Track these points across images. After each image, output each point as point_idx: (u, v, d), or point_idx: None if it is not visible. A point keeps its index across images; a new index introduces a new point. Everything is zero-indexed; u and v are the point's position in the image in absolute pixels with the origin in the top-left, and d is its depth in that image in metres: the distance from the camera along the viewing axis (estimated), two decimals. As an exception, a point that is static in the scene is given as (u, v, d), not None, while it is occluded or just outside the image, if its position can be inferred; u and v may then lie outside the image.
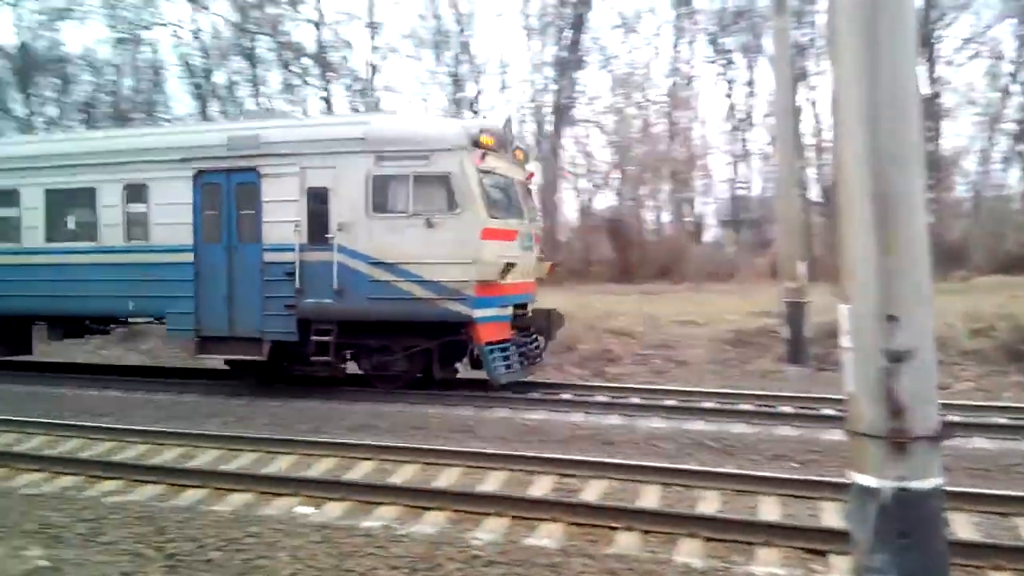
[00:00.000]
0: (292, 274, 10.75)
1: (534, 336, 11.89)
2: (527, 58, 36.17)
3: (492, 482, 7.43)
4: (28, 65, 38.52)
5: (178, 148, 11.80)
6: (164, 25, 38.42)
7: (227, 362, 12.32)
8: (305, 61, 38.13)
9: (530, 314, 11.74)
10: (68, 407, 11.05)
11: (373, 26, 37.11)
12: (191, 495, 7.23)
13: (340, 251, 10.53)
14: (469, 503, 6.68)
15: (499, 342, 10.67)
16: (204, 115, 37.79)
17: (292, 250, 10.78)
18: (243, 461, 8.37)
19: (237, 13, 37.53)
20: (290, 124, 12.09)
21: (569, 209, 36.29)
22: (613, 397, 11.31)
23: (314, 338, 10.83)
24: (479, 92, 36.90)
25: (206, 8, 37.57)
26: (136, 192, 11.99)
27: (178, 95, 42.46)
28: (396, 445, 8.55)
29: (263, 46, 38.27)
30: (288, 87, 38.74)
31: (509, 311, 11.01)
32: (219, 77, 38.98)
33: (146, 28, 38.14)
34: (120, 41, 38.38)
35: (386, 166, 10.41)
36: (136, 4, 37.54)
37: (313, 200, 10.74)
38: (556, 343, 13.05)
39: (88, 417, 10.28)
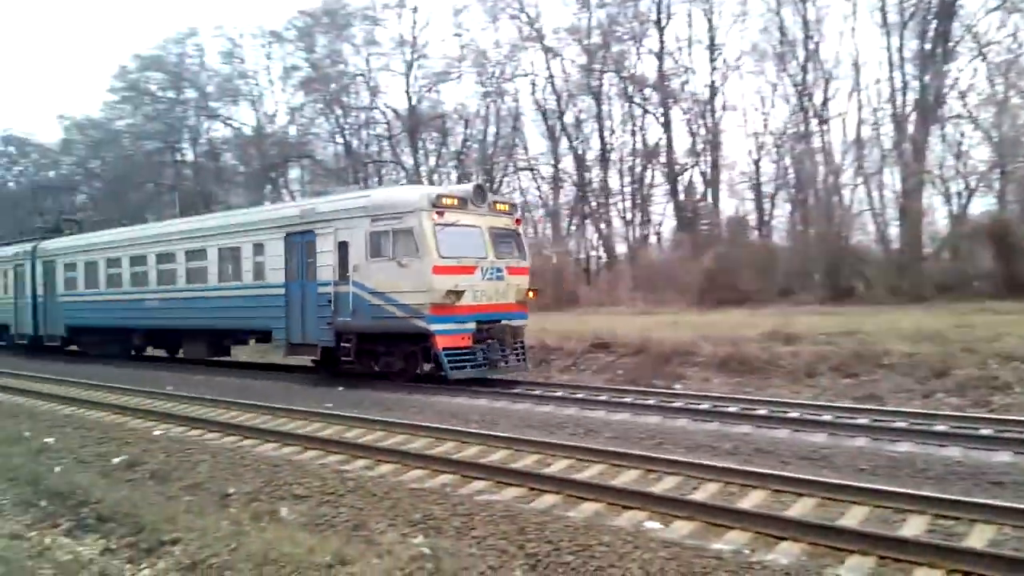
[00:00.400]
0: (330, 301, 14.81)
1: (499, 345, 14.46)
2: (883, 57, 32.99)
3: (852, 517, 6.75)
4: (415, 123, 44.95)
5: (278, 219, 16.83)
6: (524, 75, 42.33)
7: (312, 361, 16.88)
8: (646, 92, 39.25)
9: (496, 328, 14.34)
10: (439, 410, 12.49)
11: (713, 48, 36.93)
12: (548, 500, 7.66)
13: (354, 285, 14.42)
14: (828, 536, 6.13)
15: (455, 348, 13.66)
16: (555, 154, 40.79)
17: (329, 285, 14.91)
18: (592, 472, 8.68)
19: (585, 56, 39.94)
20: (330, 200, 16.54)
21: (938, 216, 32.13)
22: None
23: (343, 344, 14.88)
24: (826, 99, 34.55)
25: (559, 55, 40.61)
26: (259, 249, 16.92)
27: (533, 137, 46.39)
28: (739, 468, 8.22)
29: (608, 83, 40.19)
30: (629, 118, 40.17)
31: (470, 326, 13.82)
32: (568, 117, 41.81)
33: (508, 80, 42.44)
34: (486, 95, 43.15)
35: (377, 225, 14.22)
36: (500, 60, 41.97)
37: (340, 250, 14.78)
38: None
39: (458, 423, 11.52)
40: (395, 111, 45.86)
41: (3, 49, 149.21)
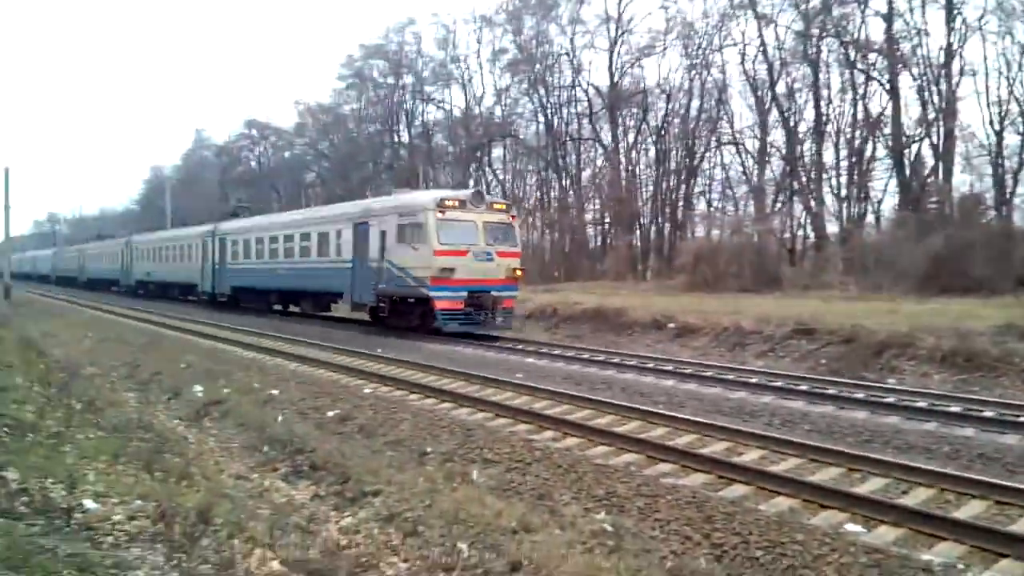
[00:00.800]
0: (375, 273, 19.83)
1: (484, 310, 18.61)
2: None
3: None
4: (616, 99, 44.47)
5: (350, 213, 22.40)
6: (733, 45, 40.37)
7: (370, 315, 22.49)
8: (871, 57, 35.95)
9: (484, 297, 18.46)
10: (622, 386, 12.32)
11: (951, 7, 32.99)
12: (738, 490, 7.29)
13: (387, 262, 19.37)
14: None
15: (450, 310, 18.15)
16: (763, 127, 38.56)
17: (375, 262, 19.95)
18: (788, 465, 8.14)
19: (801, 21, 37.30)
20: (378, 200, 22.60)
21: None
22: None
23: (381, 304, 20.21)
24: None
25: (773, 22, 38.21)
26: (339, 234, 22.29)
27: (738, 110, 44.10)
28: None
29: (826, 49, 37.28)
30: (850, 86, 37.02)
31: (462, 294, 18.08)
32: (780, 87, 39.29)
33: (716, 51, 40.65)
34: (691, 67, 41.65)
35: (402, 220, 18.98)
36: (707, 31, 40.28)
37: (381, 237, 19.65)
38: None
39: (644, 401, 11.29)
40: (596, 88, 45.74)
41: (249, 43, 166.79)
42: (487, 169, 50.60)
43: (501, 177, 51.03)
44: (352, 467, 8.91)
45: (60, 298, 46.38)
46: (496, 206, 20.02)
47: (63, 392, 10.94)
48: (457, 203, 18.75)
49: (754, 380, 13.30)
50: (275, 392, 12.71)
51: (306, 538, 6.46)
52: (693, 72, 41.33)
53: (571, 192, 46.93)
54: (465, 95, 52.11)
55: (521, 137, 49.31)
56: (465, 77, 52.25)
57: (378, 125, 58.39)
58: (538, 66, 46.52)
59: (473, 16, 50.64)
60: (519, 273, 19.71)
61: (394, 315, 20.37)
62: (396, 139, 58.07)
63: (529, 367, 15.20)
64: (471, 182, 50.45)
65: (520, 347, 18.12)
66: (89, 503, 5.12)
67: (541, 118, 47.68)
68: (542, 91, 47.19)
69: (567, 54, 46.04)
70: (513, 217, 20.47)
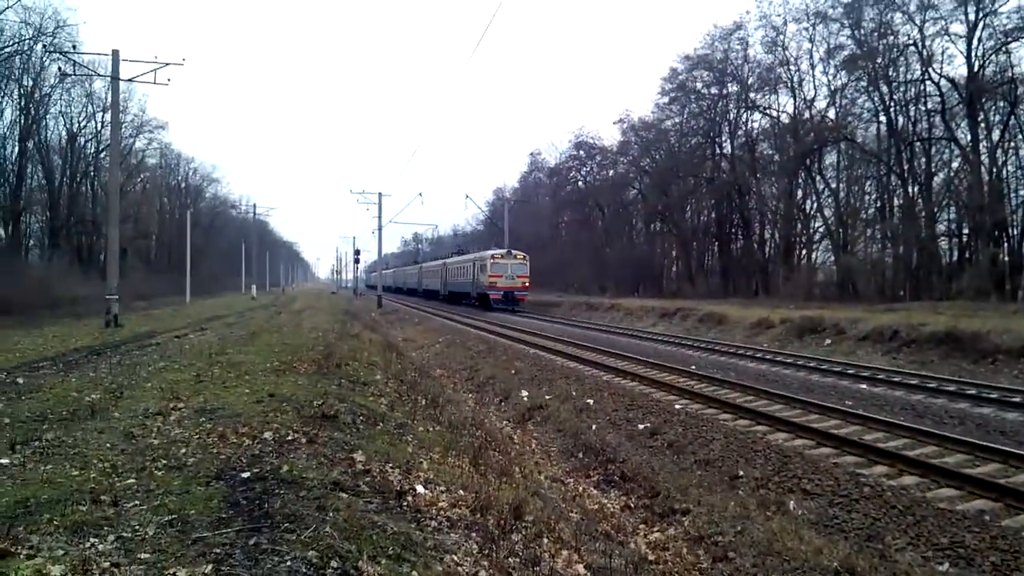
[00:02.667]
0: (477, 285, 46.63)
1: (509, 300, 43.80)
2: None
3: None
4: (976, 92, 38.65)
5: (470, 259, 50.57)
6: None
7: (476, 304, 47.54)
8: None
9: (509, 295, 43.62)
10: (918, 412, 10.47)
11: None
12: None
13: (477, 279, 46.43)
14: None
15: (495, 299, 43.41)
16: None
17: (476, 279, 46.89)
18: None
19: None
20: (474, 255, 50.27)
21: None
22: None
23: (479, 295, 46.13)
24: None
25: None
26: (468, 268, 49.91)
27: None
28: None
29: None
30: None
31: (501, 292, 43.41)
32: None
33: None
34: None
35: (479, 262, 46.70)
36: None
37: (477, 270, 46.87)
38: None
39: (1008, 442, 9.50)
40: (951, 81, 40.13)
41: (579, 68, 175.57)
42: (817, 177, 47.13)
43: (833, 186, 47.18)
44: (661, 482, 8.83)
45: (420, 308, 52.94)
46: (517, 256, 45.20)
47: (412, 389, 12.41)
48: (502, 255, 44.54)
49: None
50: (590, 402, 13.09)
51: (612, 547, 6.52)
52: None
53: (919, 200, 41.74)
54: (794, 99, 49.13)
55: (858, 140, 45.12)
56: (795, 80, 49.35)
57: (699, 138, 57.53)
58: (880, 60, 42.16)
59: (806, 13, 47.49)
60: (527, 285, 44.53)
61: (483, 301, 45.03)
62: (718, 151, 56.83)
63: (861, 394, 13.76)
64: (799, 192, 47.35)
65: (851, 371, 16.53)
66: (420, 488, 5.70)
67: (882, 118, 43.14)
68: (884, 88, 42.67)
69: (914, 44, 41.11)
70: (525, 259, 45.37)
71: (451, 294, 55.68)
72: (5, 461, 5.60)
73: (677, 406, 12.44)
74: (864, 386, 14.65)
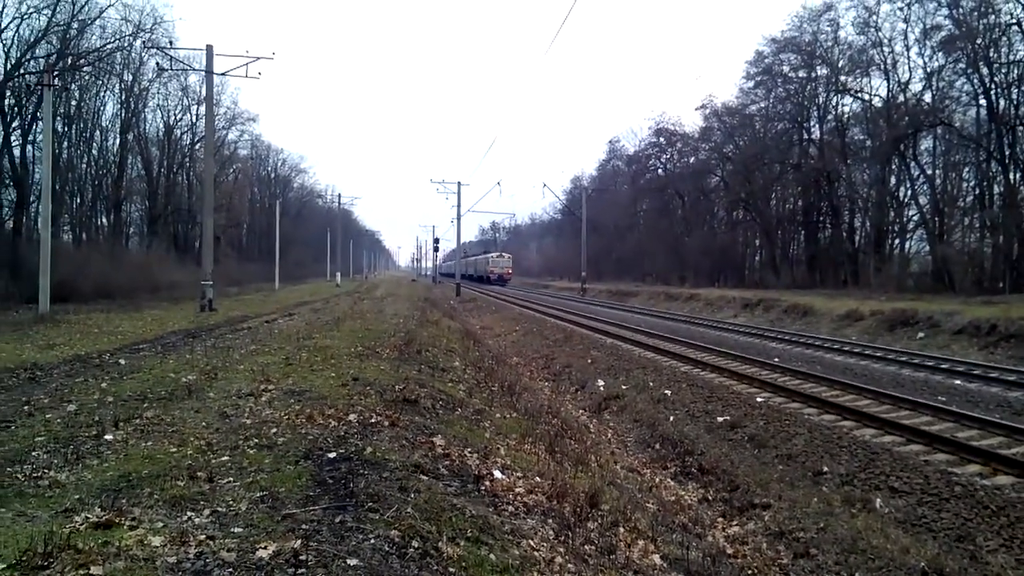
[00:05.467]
0: (486, 271, 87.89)
1: (502, 281, 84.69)
2: None
3: None
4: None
5: (482, 254, 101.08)
6: None
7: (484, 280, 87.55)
8: None
9: (499, 276, 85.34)
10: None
11: None
12: None
13: (486, 267, 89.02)
14: None
15: (494, 280, 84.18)
16: None
17: (484, 267, 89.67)
18: None
19: None
20: (486, 255, 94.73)
21: None
22: None
23: (480, 276, 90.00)
24: None
25: None
26: (479, 261, 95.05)
27: None
28: None
29: None
30: None
31: (497, 275, 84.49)
32: None
33: None
34: None
35: (488, 257, 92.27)
36: None
37: (485, 262, 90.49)
38: None
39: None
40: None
41: (661, 51, 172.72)
42: (911, 163, 44.99)
43: (929, 172, 44.94)
44: (741, 476, 8.69)
45: (498, 297, 53.36)
46: (504, 255, 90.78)
47: (490, 376, 12.56)
48: (496, 256, 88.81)
49: None
50: (667, 392, 12.96)
51: (689, 539, 6.47)
52: None
53: (1021, 187, 39.36)
54: (887, 82, 46.91)
55: (955, 125, 42.80)
56: (888, 62, 47.15)
57: (786, 123, 55.64)
58: (980, 41, 39.86)
59: (899, -7, 45.29)
60: (510, 271, 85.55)
61: (487, 281, 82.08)
62: (806, 136, 54.87)
63: (955, 390, 13.16)
64: (892, 179, 45.35)
65: (944, 366, 15.80)
66: (497, 473, 5.79)
67: (982, 101, 40.81)
68: (984, 70, 40.30)
69: (1018, 24, 38.64)
70: (510, 258, 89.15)
71: (471, 276, 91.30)
72: (109, 437, 5.98)
73: (759, 399, 12.17)
74: (958, 382, 14.01)
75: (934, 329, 21.45)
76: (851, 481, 8.24)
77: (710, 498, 8.33)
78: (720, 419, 11.03)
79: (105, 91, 42.74)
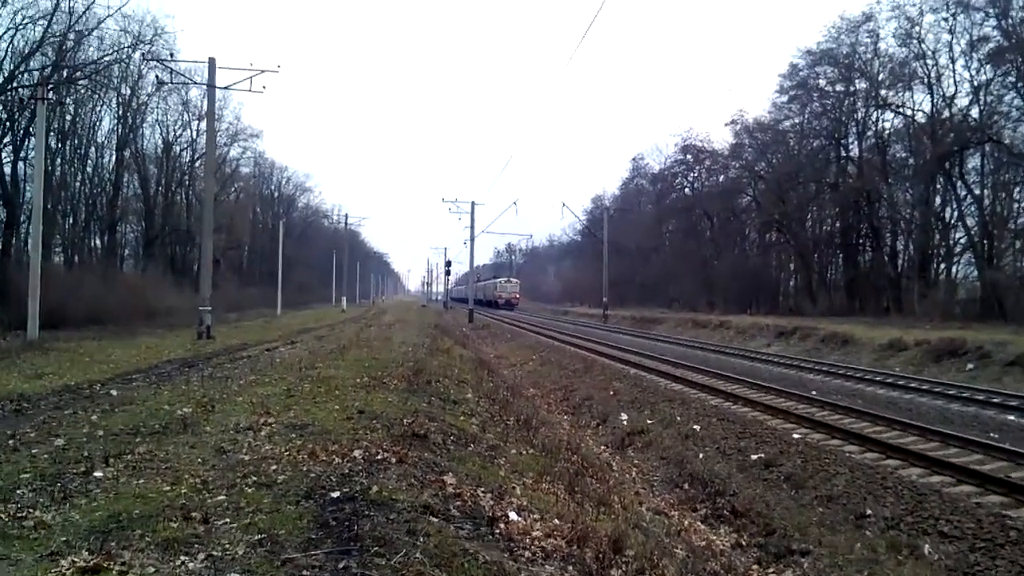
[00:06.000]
0: (495, 295, 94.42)
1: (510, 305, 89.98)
2: None
3: None
4: None
5: (491, 277, 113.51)
6: None
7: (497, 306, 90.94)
8: None
9: (507, 301, 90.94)
10: None
11: None
12: None
13: (495, 292, 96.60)
14: None
15: (501, 304, 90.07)
16: None
17: (494, 291, 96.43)
18: None
19: None
20: (496, 279, 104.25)
21: None
22: None
23: (490, 300, 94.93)
24: None
25: None
26: (487, 285, 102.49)
27: None
28: None
29: None
30: None
31: (505, 300, 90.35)
32: None
33: None
34: None
35: (495, 280, 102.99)
36: None
37: (494, 286, 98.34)
38: None
39: None
40: None
41: (685, 68, 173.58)
42: (958, 182, 44.69)
43: (977, 192, 44.61)
44: (777, 519, 8.57)
45: (514, 324, 53.37)
46: (512, 280, 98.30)
47: (504, 409, 12.50)
48: (504, 280, 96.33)
49: None
50: (696, 428, 12.85)
51: (721, 588, 6.37)
52: None
53: (1080, 207, 39.04)
54: (931, 96, 46.75)
55: (1005, 142, 42.53)
56: (932, 75, 47.04)
57: (823, 139, 55.53)
58: (1031, 52, 39.83)
59: (945, 2, 45.19)
60: (518, 296, 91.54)
61: (495, 305, 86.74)
62: (843, 154, 54.73)
63: (1008, 426, 12.97)
64: (937, 199, 45.07)
65: (996, 400, 15.58)
66: (513, 515, 5.73)
67: (1035, 116, 40.68)
68: (1036, 82, 40.25)
69: (1074, 33, 38.57)
70: (517, 283, 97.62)
71: (482, 301, 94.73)
72: (99, 474, 5.98)
73: (795, 435, 12.03)
74: (1012, 417, 13.79)
75: (984, 360, 21.17)
76: (897, 525, 8.11)
77: (744, 543, 8.22)
78: (754, 457, 10.91)
79: (101, 106, 43.41)
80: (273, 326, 35.51)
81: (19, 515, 4.91)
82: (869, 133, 52.39)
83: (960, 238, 44.61)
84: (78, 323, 27.79)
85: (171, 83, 37.08)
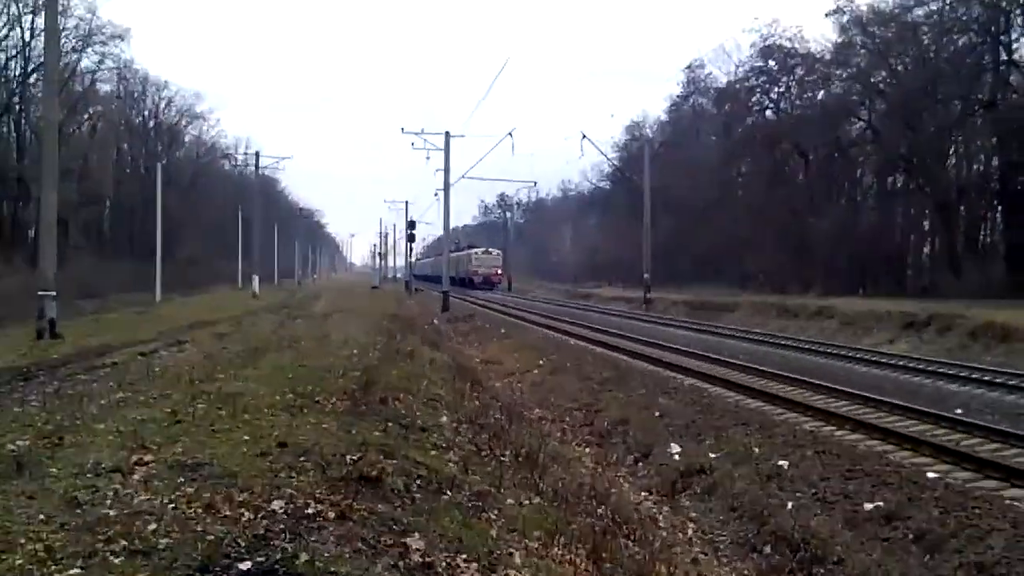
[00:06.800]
0: (472, 274, 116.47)
1: (488, 284, 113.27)
2: None
3: None
4: None
5: (463, 253, 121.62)
6: None
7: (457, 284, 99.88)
8: None
9: (486, 278, 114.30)
10: None
11: None
12: None
13: (469, 269, 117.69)
14: None
15: (478, 283, 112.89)
16: None
17: (467, 268, 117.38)
18: None
19: None
20: (469, 251, 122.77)
21: None
22: None
23: (468, 281, 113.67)
24: None
25: None
26: (460, 260, 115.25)
27: None
28: None
29: None
30: None
31: (482, 277, 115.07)
32: None
33: None
34: None
35: (471, 255, 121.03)
36: None
37: (467, 260, 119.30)
38: None
39: None
40: None
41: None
42: None
43: None
44: (902, 598, 8.64)
45: (508, 313, 53.36)
46: (493, 252, 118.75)
47: (497, 439, 12.53)
48: (482, 252, 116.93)
49: None
50: (783, 463, 12.92)
51: None
52: None
53: None
54: None
55: None
56: None
57: (972, 35, 55.40)
58: None
59: None
60: (499, 272, 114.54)
61: (469, 284, 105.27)
62: (1004, 56, 54.58)
63: None
64: None
65: None
66: (511, 595, 5.78)
67: None
68: None
69: None
70: (499, 255, 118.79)
71: (455, 280, 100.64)
72: None
73: (930, 474, 12.11)
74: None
75: None
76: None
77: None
78: (869, 506, 10.99)
79: None
80: (150, 319, 35.52)
81: None
82: (1039, 27, 52.16)
83: None
84: None
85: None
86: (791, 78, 72.03)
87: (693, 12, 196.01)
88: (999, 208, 53.98)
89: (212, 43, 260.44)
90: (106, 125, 70.49)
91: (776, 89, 73.90)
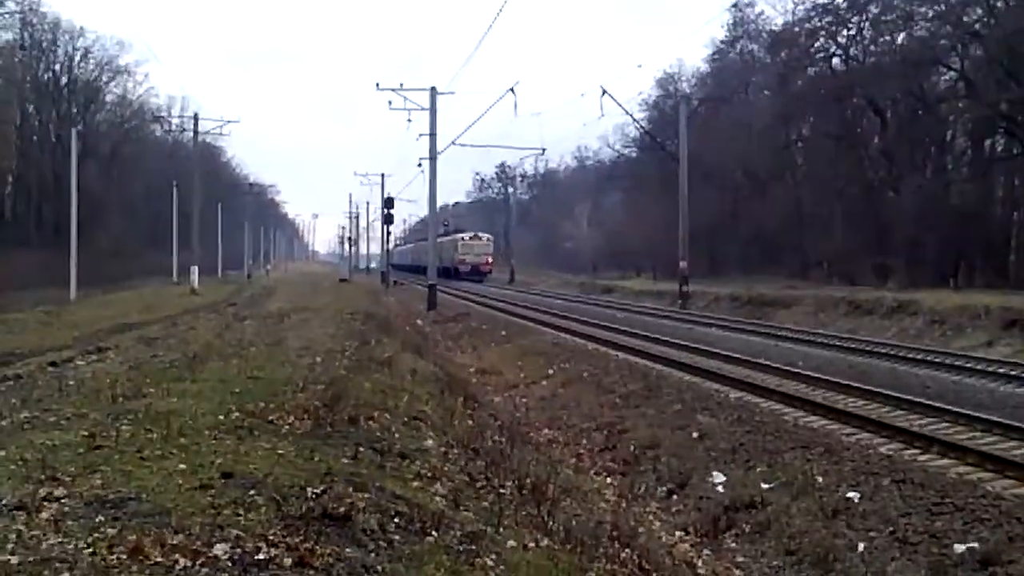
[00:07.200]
0: (456, 260, 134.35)
1: (477, 273, 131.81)
2: None
3: None
4: None
5: (450, 239, 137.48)
6: None
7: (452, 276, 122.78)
8: None
9: (474, 268, 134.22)
10: None
11: None
12: None
13: (456, 256, 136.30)
14: None
15: (464, 273, 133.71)
16: None
17: (452, 256, 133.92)
18: None
19: None
20: (456, 235, 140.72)
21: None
22: None
23: (455, 270, 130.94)
24: None
25: None
26: (447, 246, 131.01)
27: None
28: None
29: None
30: None
31: (470, 267, 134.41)
32: None
33: None
34: None
35: (459, 243, 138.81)
36: None
37: (453, 248, 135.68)
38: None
39: None
40: None
41: None
42: None
43: None
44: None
45: (508, 311, 53.43)
46: (483, 238, 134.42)
47: (495, 466, 12.53)
48: (469, 237, 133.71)
49: None
50: (853, 496, 12.94)
51: None
52: None
53: None
54: None
55: None
56: None
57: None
58: None
59: None
60: (490, 260, 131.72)
61: (454, 275, 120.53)
62: None
63: None
64: None
65: None
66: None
67: None
68: None
69: None
70: (489, 241, 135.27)
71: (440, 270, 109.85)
72: None
73: (1032, 509, 12.12)
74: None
75: None
76: None
77: None
78: (960, 548, 11.01)
79: None
80: (64, 321, 35.62)
81: None
82: None
83: None
84: None
85: None
86: (863, 18, 71.57)
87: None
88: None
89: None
90: (7, 82, 70.40)
91: (845, 32, 73.53)
